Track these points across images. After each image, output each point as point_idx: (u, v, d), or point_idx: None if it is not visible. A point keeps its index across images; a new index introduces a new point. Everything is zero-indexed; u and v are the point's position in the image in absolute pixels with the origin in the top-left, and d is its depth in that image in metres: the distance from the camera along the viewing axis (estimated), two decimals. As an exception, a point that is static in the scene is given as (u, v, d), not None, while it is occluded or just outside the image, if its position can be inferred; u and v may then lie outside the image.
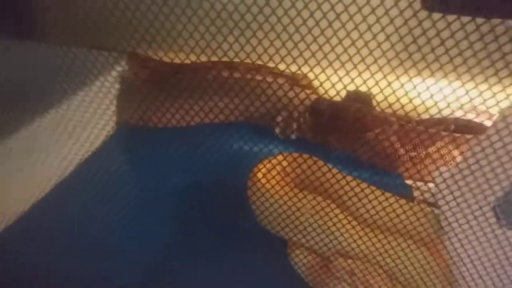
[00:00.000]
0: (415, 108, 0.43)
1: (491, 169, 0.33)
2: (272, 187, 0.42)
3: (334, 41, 0.37)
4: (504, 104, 0.34)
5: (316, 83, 0.57)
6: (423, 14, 0.33)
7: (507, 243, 0.33)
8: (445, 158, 0.47)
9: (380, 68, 0.40)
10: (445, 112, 0.41)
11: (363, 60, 0.39)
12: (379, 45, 0.36)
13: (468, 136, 0.42)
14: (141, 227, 0.48)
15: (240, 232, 0.45)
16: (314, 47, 0.39)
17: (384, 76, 0.39)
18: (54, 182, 0.51)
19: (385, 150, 0.52)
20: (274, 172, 0.44)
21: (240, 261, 0.42)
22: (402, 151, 0.51)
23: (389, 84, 0.38)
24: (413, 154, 0.50)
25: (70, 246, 0.45)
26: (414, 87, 0.38)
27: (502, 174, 0.33)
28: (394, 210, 0.37)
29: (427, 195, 0.44)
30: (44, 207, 0.48)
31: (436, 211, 0.39)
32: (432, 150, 0.49)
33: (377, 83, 0.41)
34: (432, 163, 0.47)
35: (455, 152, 0.47)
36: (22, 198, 0.49)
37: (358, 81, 0.40)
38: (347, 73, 0.41)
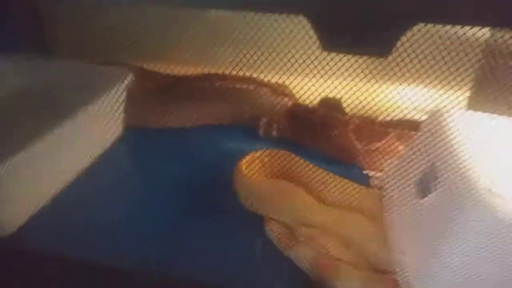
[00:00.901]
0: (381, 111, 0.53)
1: (419, 158, 0.43)
2: (252, 175, 0.53)
3: (312, 55, 0.44)
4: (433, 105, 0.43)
5: (294, 91, 0.67)
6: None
7: (422, 209, 0.42)
8: (393, 151, 0.58)
9: (346, 77, 0.47)
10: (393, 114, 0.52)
11: (331, 69, 0.45)
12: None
13: (412, 134, 0.53)
14: (149, 210, 0.54)
15: (228, 211, 0.54)
16: (292, 60, 0.46)
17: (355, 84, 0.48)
18: (73, 177, 0.57)
19: (345, 145, 0.62)
20: (254, 164, 0.54)
21: (227, 233, 0.50)
22: (358, 145, 0.61)
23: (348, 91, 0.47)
24: (367, 148, 0.60)
25: (83, 240, 0.49)
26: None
27: (425, 161, 0.43)
28: (350, 192, 0.48)
29: (378, 181, 0.54)
30: (54, 210, 0.53)
31: (383, 192, 0.49)
32: (383, 145, 0.59)
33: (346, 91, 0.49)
34: (383, 155, 0.58)
35: (400, 147, 0.57)
36: (48, 189, 0.54)
37: (331, 88, 0.48)
38: (318, 80, 0.48)
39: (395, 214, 0.46)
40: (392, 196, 0.48)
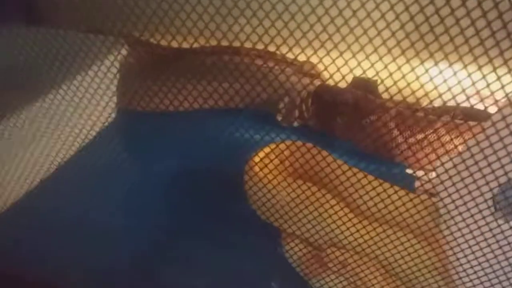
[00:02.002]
0: (426, 95, 0.41)
1: (493, 159, 0.32)
2: (266, 175, 0.41)
3: (339, 21, 0.35)
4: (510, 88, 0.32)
5: (320, 67, 0.55)
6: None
7: (502, 236, 0.31)
8: (447, 146, 0.46)
9: (389, 51, 0.38)
10: (446, 97, 0.39)
11: (370, 41, 0.37)
12: (388, 25, 0.34)
13: (471, 124, 0.40)
14: (140, 210, 0.48)
15: (235, 218, 0.44)
16: (318, 28, 0.37)
17: (394, 60, 0.38)
18: (54, 166, 0.50)
19: (382, 137, 0.50)
20: (270, 160, 0.42)
21: (233, 246, 0.42)
22: (400, 138, 0.49)
23: (391, 71, 0.36)
24: (412, 141, 0.48)
25: (67, 231, 0.45)
26: (411, 71, 0.37)
27: (503, 165, 0.31)
28: (392, 202, 0.36)
29: (428, 185, 0.42)
30: (43, 192, 0.48)
31: (437, 201, 0.37)
32: (433, 138, 0.47)
33: (386, 66, 0.39)
34: (432, 151, 0.46)
35: (457, 141, 0.45)
36: (20, 183, 0.49)
37: (365, 65, 0.38)
38: (353, 55, 0.39)
39: (456, 234, 0.34)
40: (450, 207, 0.36)
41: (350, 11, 0.34)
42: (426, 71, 0.37)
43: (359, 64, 0.38)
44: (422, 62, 0.36)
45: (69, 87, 0.50)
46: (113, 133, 0.56)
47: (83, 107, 0.52)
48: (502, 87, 0.33)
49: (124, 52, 0.54)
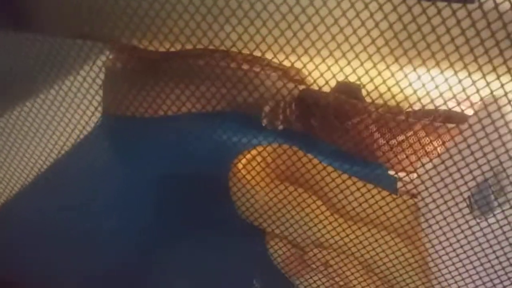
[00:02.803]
0: (406, 99, 0.42)
1: (470, 160, 0.33)
2: (251, 179, 0.42)
3: (321, 28, 0.36)
4: (485, 92, 0.33)
5: (305, 73, 0.56)
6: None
7: (481, 233, 0.32)
8: (426, 148, 0.47)
9: (370, 57, 0.39)
10: (424, 101, 0.41)
11: (351, 48, 0.38)
12: (368, 32, 0.35)
13: (449, 126, 0.42)
14: (126, 215, 0.48)
15: (220, 220, 0.45)
16: (301, 35, 0.37)
17: (374, 66, 0.39)
18: (38, 171, 0.50)
19: (364, 139, 0.51)
20: (254, 163, 0.43)
21: (219, 249, 0.42)
22: (381, 140, 0.50)
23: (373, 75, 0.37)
24: (392, 143, 0.50)
25: (55, 234, 0.45)
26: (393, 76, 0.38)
27: (479, 165, 0.32)
28: (375, 202, 0.37)
29: (409, 186, 0.43)
30: (29, 196, 0.48)
31: (418, 201, 0.38)
32: (413, 140, 0.49)
33: (366, 72, 0.40)
34: (413, 153, 0.47)
35: (435, 143, 0.46)
36: (6, 187, 0.48)
37: (348, 71, 0.39)
38: (336, 61, 0.40)
39: (436, 233, 0.35)
40: (431, 207, 0.37)
41: (332, 19, 0.35)
42: (405, 76, 0.39)
43: (341, 69, 0.39)
44: (401, 68, 0.38)
45: (58, 92, 0.49)
46: (99, 137, 0.55)
47: (69, 112, 0.52)
48: (477, 91, 0.35)
49: (111, 57, 0.54)
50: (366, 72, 0.39)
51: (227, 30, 0.40)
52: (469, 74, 0.34)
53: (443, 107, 0.40)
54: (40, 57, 0.53)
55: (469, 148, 0.34)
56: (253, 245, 0.43)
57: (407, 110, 0.53)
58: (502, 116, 0.32)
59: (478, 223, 0.32)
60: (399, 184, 0.46)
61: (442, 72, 0.36)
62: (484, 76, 0.33)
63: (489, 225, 0.32)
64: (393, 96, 0.40)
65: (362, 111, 0.53)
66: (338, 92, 0.57)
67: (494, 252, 0.33)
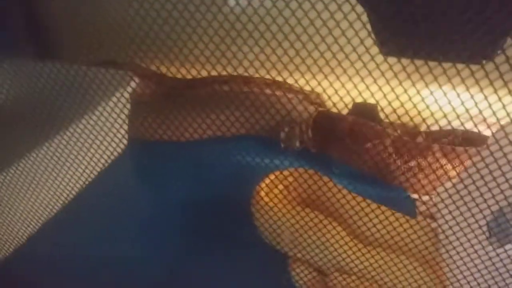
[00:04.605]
0: (423, 120, 0.43)
1: (489, 184, 0.33)
2: (275, 205, 0.43)
3: (340, 55, 0.38)
4: (501, 113, 0.34)
5: (324, 96, 0.57)
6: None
7: (502, 258, 0.32)
8: (442, 171, 0.47)
9: (388, 81, 0.40)
10: (442, 123, 0.41)
11: (370, 73, 0.39)
12: (385, 59, 0.36)
13: (466, 148, 0.42)
14: (150, 240, 0.49)
15: (244, 246, 0.45)
16: (321, 62, 0.39)
17: (392, 89, 0.40)
18: (68, 199, 0.51)
19: (383, 161, 0.52)
20: (277, 187, 0.44)
21: (243, 273, 0.43)
22: (399, 162, 0.51)
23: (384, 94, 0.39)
24: (411, 165, 0.50)
25: (82, 260, 0.46)
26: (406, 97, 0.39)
27: (498, 189, 0.33)
28: (395, 229, 0.37)
29: (431, 209, 0.43)
30: (59, 222, 0.49)
31: (436, 226, 0.39)
32: (429, 162, 0.49)
33: (385, 95, 0.42)
34: (430, 175, 0.47)
35: (450, 165, 0.46)
36: (39, 213, 0.50)
37: (366, 94, 0.41)
38: (355, 86, 0.41)
39: (457, 257, 0.36)
40: (449, 231, 0.37)
41: (351, 47, 0.36)
42: (422, 99, 0.40)
43: (360, 93, 0.41)
44: (418, 92, 0.39)
45: (80, 122, 0.51)
46: (124, 162, 0.57)
47: (95, 142, 0.53)
48: (494, 113, 0.35)
49: (133, 84, 0.55)
50: (384, 95, 0.41)
51: (250, 57, 0.42)
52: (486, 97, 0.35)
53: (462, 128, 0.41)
54: (70, 87, 0.55)
55: (488, 171, 0.35)
56: (276, 269, 0.43)
57: (425, 130, 0.54)
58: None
59: (494, 250, 0.32)
60: (419, 206, 0.47)
61: (458, 95, 0.37)
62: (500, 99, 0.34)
63: (506, 251, 0.32)
64: (411, 119, 0.41)
65: (378, 132, 0.54)
66: (355, 113, 0.58)
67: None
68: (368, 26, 0.31)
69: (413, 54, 0.30)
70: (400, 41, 0.29)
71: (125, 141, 0.56)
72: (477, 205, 0.34)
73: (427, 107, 0.42)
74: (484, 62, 0.28)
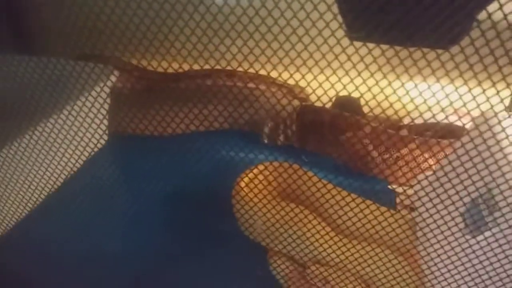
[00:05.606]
0: (408, 113, 0.43)
1: (463, 177, 0.33)
2: (255, 196, 0.42)
3: (325, 48, 0.38)
4: (484, 107, 0.34)
5: (308, 90, 0.57)
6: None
7: (475, 249, 0.33)
8: (420, 163, 0.48)
9: (372, 75, 0.40)
10: (426, 116, 0.41)
11: (354, 66, 0.39)
12: (369, 51, 0.36)
13: (444, 142, 0.42)
14: (132, 233, 0.49)
15: (226, 239, 0.45)
16: (305, 55, 0.39)
17: (376, 82, 0.40)
18: (47, 192, 0.50)
19: (358, 153, 0.52)
20: (257, 181, 0.44)
21: (223, 267, 0.43)
22: (379, 155, 0.51)
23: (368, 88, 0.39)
24: (390, 158, 0.50)
25: (63, 256, 0.45)
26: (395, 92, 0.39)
27: (471, 181, 0.33)
28: (375, 218, 0.37)
29: (408, 200, 0.44)
30: (38, 216, 0.48)
31: (415, 217, 0.39)
32: (405, 153, 0.50)
33: (369, 89, 0.42)
34: (406, 166, 0.47)
35: (430, 159, 0.47)
36: (15, 212, 0.49)
37: (350, 87, 0.40)
38: (339, 80, 0.41)
39: (433, 248, 0.36)
40: (427, 221, 0.38)
41: (335, 40, 0.36)
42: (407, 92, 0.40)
43: (344, 87, 0.41)
44: (403, 85, 0.39)
45: (59, 116, 0.50)
46: (105, 158, 0.56)
47: (73, 135, 0.52)
48: (478, 106, 0.35)
49: (114, 78, 0.54)
50: (369, 88, 0.40)
51: (233, 50, 0.41)
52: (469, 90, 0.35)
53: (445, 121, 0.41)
54: (49, 81, 0.54)
55: (463, 164, 0.35)
56: (256, 262, 0.43)
57: (406, 124, 0.54)
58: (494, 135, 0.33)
59: (467, 240, 0.32)
60: (398, 198, 0.47)
61: (442, 88, 0.37)
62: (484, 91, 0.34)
63: (481, 240, 0.33)
64: (396, 112, 0.41)
65: (357, 125, 0.54)
66: (338, 107, 0.58)
67: (493, 267, 0.33)
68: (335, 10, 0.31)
69: (379, 38, 0.29)
70: (366, 26, 0.28)
71: (105, 137, 0.55)
72: (449, 196, 0.35)
73: (411, 100, 0.42)
74: (450, 46, 0.27)
